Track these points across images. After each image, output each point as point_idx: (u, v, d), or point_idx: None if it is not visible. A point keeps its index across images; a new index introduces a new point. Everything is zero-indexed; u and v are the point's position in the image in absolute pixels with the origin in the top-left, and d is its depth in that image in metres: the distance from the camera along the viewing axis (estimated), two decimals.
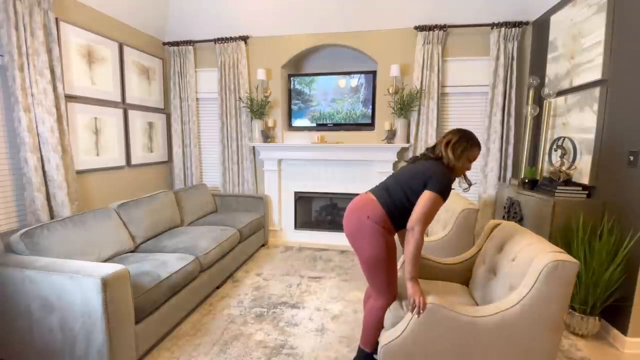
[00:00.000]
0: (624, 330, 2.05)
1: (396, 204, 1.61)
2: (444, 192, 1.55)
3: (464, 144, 1.60)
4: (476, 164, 3.58)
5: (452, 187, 1.62)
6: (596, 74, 2.32)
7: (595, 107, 2.33)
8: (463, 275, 2.01)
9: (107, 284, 1.60)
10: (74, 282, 1.62)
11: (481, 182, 3.48)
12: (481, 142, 3.46)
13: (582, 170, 2.44)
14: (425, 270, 2.02)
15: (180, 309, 2.22)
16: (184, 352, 1.99)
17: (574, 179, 2.51)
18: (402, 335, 1.49)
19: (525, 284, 1.42)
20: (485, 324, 1.43)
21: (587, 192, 2.34)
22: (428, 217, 1.53)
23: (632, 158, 2.02)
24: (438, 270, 2.03)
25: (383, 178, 3.66)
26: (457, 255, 2.25)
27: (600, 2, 2.31)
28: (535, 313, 1.40)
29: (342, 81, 3.81)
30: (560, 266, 1.35)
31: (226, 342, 2.09)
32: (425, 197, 1.53)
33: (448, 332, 1.46)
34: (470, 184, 1.81)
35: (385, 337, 1.56)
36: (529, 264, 1.46)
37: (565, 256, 1.38)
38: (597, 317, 2.13)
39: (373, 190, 1.71)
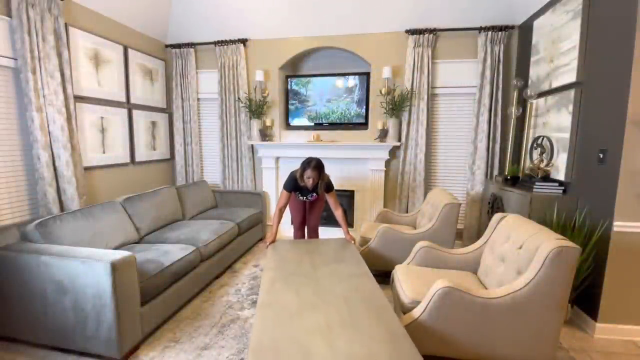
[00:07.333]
0: (594, 316, 2.19)
1: None
2: (285, 186, 2.79)
3: (301, 168, 2.68)
4: (464, 163, 3.76)
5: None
6: (572, 77, 2.47)
7: (571, 107, 2.48)
8: (472, 264, 2.21)
9: (116, 267, 1.77)
10: (86, 267, 1.79)
11: (469, 179, 3.63)
12: (469, 141, 3.64)
13: (559, 167, 2.59)
14: (438, 260, 2.24)
15: (181, 295, 2.39)
16: (185, 333, 2.16)
17: (552, 176, 2.67)
18: (423, 316, 1.66)
19: (532, 268, 1.58)
20: (498, 305, 1.60)
21: (563, 187, 2.49)
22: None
23: (601, 155, 2.17)
24: (449, 260, 2.24)
25: (376, 175, 3.89)
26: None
27: (576, 9, 2.46)
28: (541, 293, 1.56)
29: (337, 82, 3.97)
30: (564, 251, 1.51)
31: (224, 324, 2.26)
32: None
33: (464, 312, 1.62)
34: (305, 197, 2.97)
35: (410, 316, 1.73)
36: (535, 250, 1.62)
37: (568, 242, 1.54)
38: (570, 304, 2.28)
39: None
